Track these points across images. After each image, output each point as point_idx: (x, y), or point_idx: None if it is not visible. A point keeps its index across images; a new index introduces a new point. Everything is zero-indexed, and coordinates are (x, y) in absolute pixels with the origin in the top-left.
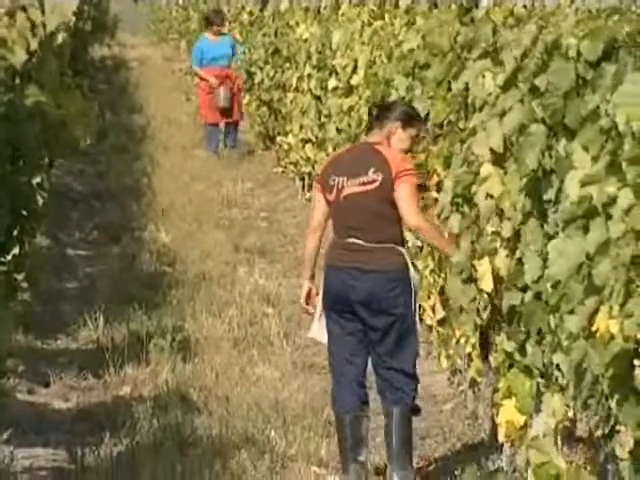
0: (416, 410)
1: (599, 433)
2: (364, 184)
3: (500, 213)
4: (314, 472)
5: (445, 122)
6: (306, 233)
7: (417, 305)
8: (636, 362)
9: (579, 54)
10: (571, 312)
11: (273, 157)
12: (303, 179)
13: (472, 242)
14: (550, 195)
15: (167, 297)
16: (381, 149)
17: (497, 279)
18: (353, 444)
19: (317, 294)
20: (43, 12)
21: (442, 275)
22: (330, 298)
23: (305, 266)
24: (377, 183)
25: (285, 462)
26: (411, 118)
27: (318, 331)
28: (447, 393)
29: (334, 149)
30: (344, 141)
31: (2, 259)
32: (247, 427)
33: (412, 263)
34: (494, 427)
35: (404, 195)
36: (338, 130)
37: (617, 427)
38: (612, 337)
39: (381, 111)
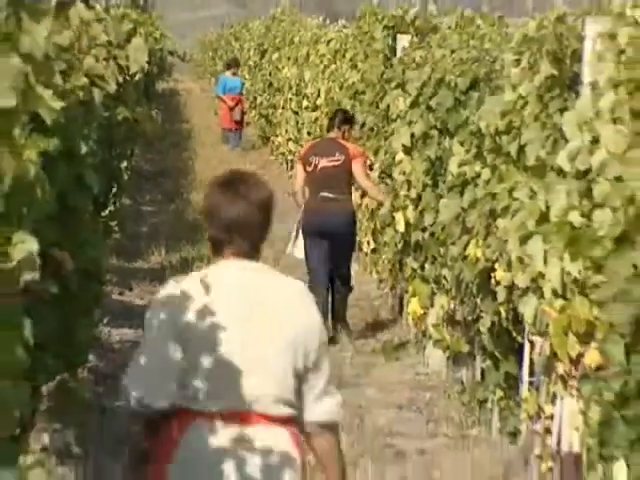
0: (350, 289)
1: (470, 318)
2: (333, 161)
3: (409, 183)
4: None
5: (375, 127)
6: (295, 190)
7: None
8: (492, 274)
9: (456, 85)
10: (453, 244)
11: (268, 150)
12: (287, 163)
13: (391, 201)
14: (440, 171)
15: (204, 236)
16: (341, 141)
17: (407, 224)
18: (323, 303)
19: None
20: (128, 59)
21: (373, 222)
22: (310, 228)
23: (299, 206)
24: (340, 161)
25: None
26: (352, 121)
27: (296, 250)
28: (376, 294)
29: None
30: (313, 139)
31: (102, 213)
32: None
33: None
34: (405, 315)
35: (358, 168)
36: (309, 133)
37: (480, 314)
38: (478, 259)
39: (338, 118)
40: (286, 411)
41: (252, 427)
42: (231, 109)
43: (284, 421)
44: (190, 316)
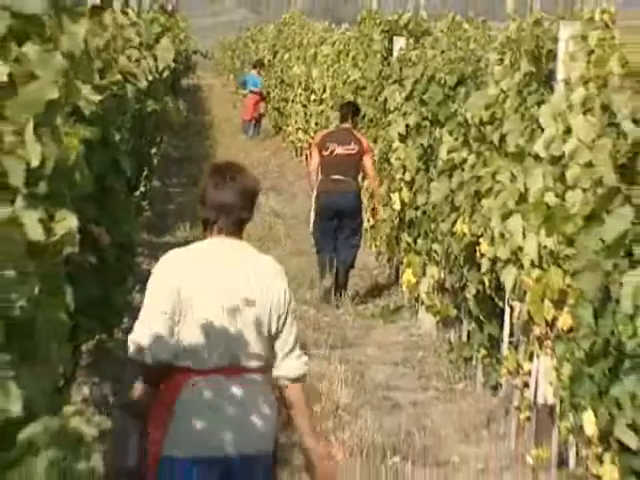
0: (352, 266)
1: (457, 286)
2: (348, 150)
3: (404, 168)
4: (305, 308)
5: (374, 118)
6: (310, 170)
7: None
8: (477, 248)
9: (445, 82)
10: (442, 221)
11: (280, 138)
12: (296, 150)
13: (388, 183)
14: (431, 157)
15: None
16: (355, 133)
17: (402, 203)
18: (326, 269)
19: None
20: (156, 59)
21: (372, 201)
22: (321, 206)
23: (311, 186)
24: (355, 150)
25: None
26: (359, 112)
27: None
28: (375, 265)
29: (314, 134)
30: (320, 129)
31: (135, 193)
32: None
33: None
34: (400, 284)
35: (368, 162)
36: (316, 123)
37: (467, 283)
38: (464, 235)
39: (350, 110)
40: (262, 364)
41: (236, 377)
42: (256, 103)
43: (261, 371)
44: (184, 282)
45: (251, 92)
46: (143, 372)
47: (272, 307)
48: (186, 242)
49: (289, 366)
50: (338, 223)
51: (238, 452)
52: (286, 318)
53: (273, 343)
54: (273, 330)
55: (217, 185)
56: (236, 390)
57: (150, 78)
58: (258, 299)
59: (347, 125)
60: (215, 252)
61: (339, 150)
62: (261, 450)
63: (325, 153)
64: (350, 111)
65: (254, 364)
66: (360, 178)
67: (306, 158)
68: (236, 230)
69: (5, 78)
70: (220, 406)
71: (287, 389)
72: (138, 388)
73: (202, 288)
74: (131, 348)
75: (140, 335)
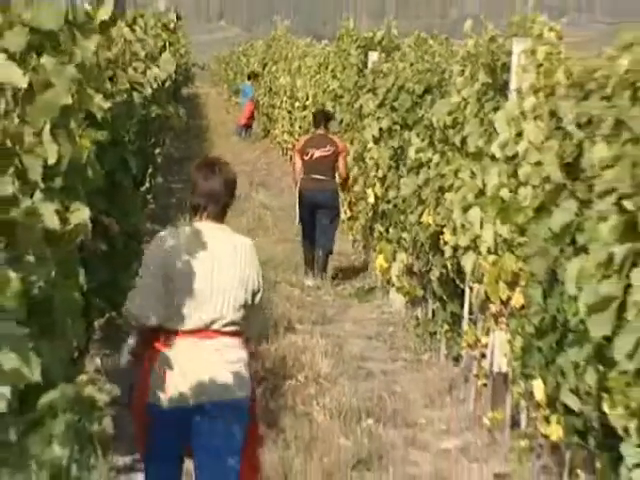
0: (331, 252)
1: (423, 269)
2: (324, 152)
3: (377, 166)
4: (290, 289)
5: (350, 123)
6: (295, 172)
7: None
8: (441, 236)
9: (413, 91)
10: (411, 213)
11: (268, 141)
12: (283, 150)
13: (364, 180)
14: (401, 157)
15: None
16: (330, 136)
17: (376, 197)
18: (309, 254)
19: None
20: (159, 67)
21: (348, 196)
22: (304, 201)
23: (296, 184)
24: (330, 152)
25: (274, 285)
26: (331, 118)
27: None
28: (351, 251)
29: (298, 136)
30: (303, 133)
31: (141, 188)
32: None
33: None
34: (373, 268)
35: (341, 161)
36: (300, 127)
37: (432, 267)
38: (430, 225)
39: (322, 117)
40: (237, 328)
41: (215, 339)
42: (252, 110)
43: (234, 334)
44: (174, 256)
45: (250, 100)
46: (137, 333)
47: (247, 279)
48: None
49: (256, 328)
50: (317, 215)
51: (210, 400)
52: (258, 289)
53: (246, 309)
54: (249, 298)
55: (206, 177)
56: (210, 349)
57: (154, 87)
58: (237, 272)
59: (321, 131)
60: (202, 232)
61: (317, 153)
62: (233, 398)
63: (306, 157)
64: (322, 118)
65: (228, 329)
66: (337, 175)
67: (291, 158)
68: (220, 214)
69: (25, 85)
70: (196, 362)
71: (250, 342)
72: (131, 344)
73: (188, 262)
74: (127, 313)
75: (134, 303)
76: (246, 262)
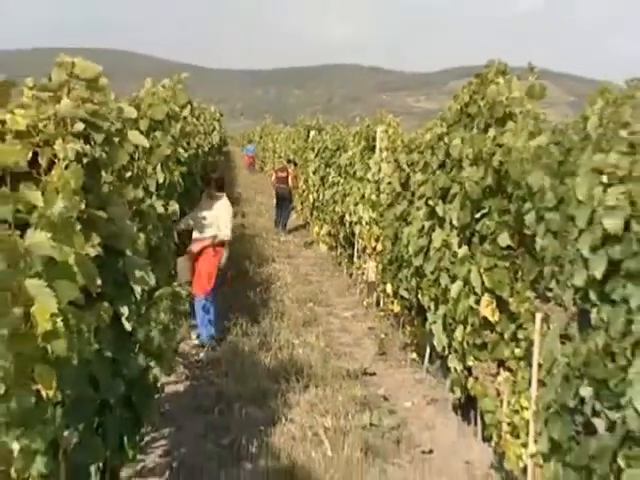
0: (286, 225)
1: (336, 233)
2: (284, 173)
3: (313, 184)
4: (272, 241)
5: (300, 164)
6: (272, 183)
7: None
8: (344, 218)
9: (330, 148)
10: (330, 206)
11: (263, 173)
12: (270, 177)
13: (307, 190)
14: (326, 180)
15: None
16: (287, 167)
17: (313, 199)
18: (276, 222)
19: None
20: (212, 137)
21: (300, 196)
22: (276, 198)
23: (273, 189)
24: (286, 174)
25: (265, 239)
26: (294, 162)
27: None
28: (301, 224)
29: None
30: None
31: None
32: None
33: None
34: (312, 232)
35: (291, 179)
36: (279, 164)
37: (339, 232)
38: (339, 212)
39: (288, 162)
40: (220, 240)
41: (214, 241)
42: (253, 159)
43: (220, 243)
44: (197, 210)
45: (248, 156)
46: (187, 238)
47: (226, 217)
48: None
49: (224, 234)
50: (281, 205)
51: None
52: (228, 220)
53: (220, 228)
54: (222, 224)
55: (215, 177)
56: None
57: (209, 146)
58: (222, 215)
59: (282, 166)
60: (208, 198)
61: (281, 174)
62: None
63: (277, 175)
64: (291, 161)
65: (218, 239)
66: (291, 184)
67: (271, 177)
68: (218, 189)
69: (147, 145)
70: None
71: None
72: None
73: (202, 212)
74: (180, 225)
75: (183, 223)
76: (225, 209)
